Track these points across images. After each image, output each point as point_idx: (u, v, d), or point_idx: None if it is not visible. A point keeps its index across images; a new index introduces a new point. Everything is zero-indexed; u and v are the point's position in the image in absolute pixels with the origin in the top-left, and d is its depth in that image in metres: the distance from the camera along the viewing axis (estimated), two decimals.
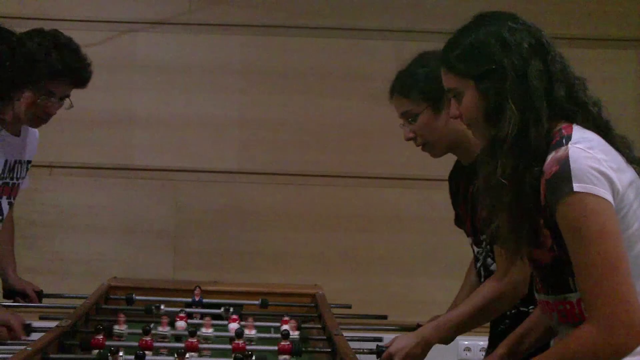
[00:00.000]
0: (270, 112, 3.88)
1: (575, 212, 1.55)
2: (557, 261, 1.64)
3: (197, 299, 2.61)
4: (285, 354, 2.07)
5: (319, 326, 2.44)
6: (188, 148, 3.86)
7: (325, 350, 2.19)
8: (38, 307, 2.73)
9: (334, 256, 3.85)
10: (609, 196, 1.56)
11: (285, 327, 2.29)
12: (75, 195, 3.81)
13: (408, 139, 2.32)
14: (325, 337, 2.28)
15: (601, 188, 1.55)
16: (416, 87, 2.27)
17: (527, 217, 1.66)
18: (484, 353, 3.65)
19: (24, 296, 2.72)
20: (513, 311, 2.21)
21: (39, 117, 2.55)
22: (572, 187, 1.55)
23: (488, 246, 2.26)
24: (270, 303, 2.68)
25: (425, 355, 2.14)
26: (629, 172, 1.63)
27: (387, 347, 2.15)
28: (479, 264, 2.33)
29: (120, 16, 3.84)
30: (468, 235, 2.39)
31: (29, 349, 1.85)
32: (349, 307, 2.76)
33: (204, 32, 3.87)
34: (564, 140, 1.62)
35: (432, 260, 3.72)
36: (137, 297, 2.68)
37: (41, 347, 1.89)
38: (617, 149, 1.66)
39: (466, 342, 3.76)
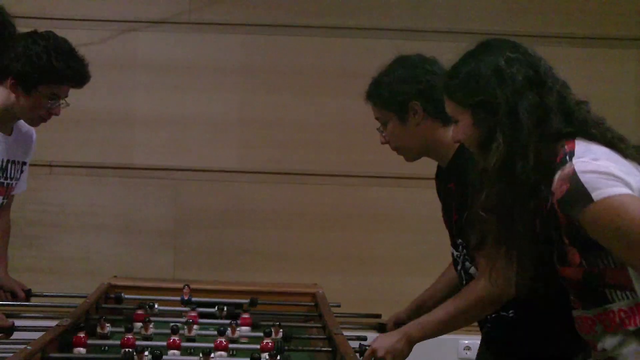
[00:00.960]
0: (270, 111, 3.88)
1: (606, 217, 1.56)
2: (588, 276, 1.64)
3: (185, 297, 2.61)
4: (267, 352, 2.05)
5: (319, 325, 2.44)
6: (188, 147, 3.86)
7: (325, 349, 2.20)
8: (38, 306, 2.73)
9: (334, 255, 3.85)
10: (626, 189, 1.56)
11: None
12: (75, 195, 3.81)
13: (383, 143, 2.36)
14: (325, 337, 2.28)
15: (617, 186, 1.56)
16: (381, 96, 2.30)
17: (520, 243, 1.69)
18: None
19: (13, 295, 2.72)
20: (494, 315, 2.21)
21: (42, 118, 2.60)
22: (591, 198, 1.55)
23: (464, 250, 2.27)
24: (269, 302, 2.68)
25: (409, 351, 2.14)
26: None
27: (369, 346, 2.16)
28: (458, 267, 2.32)
29: (120, 15, 3.84)
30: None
31: (29, 347, 1.85)
32: (338, 305, 2.75)
33: (204, 32, 3.87)
34: (567, 157, 1.62)
35: (432, 260, 3.70)
36: (127, 296, 2.70)
37: (41, 346, 1.89)
38: (628, 158, 1.66)
39: (466, 342, 3.76)
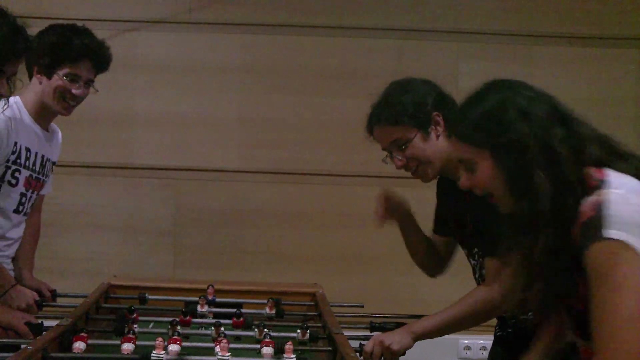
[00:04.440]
0: (270, 111, 3.88)
1: (605, 257, 1.49)
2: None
3: (210, 297, 2.62)
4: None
5: (320, 325, 2.44)
6: (188, 147, 3.86)
7: (325, 349, 2.20)
8: (55, 306, 2.73)
9: (334, 255, 3.85)
10: None
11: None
12: (75, 194, 3.82)
13: (400, 167, 2.33)
14: (325, 336, 2.28)
15: (635, 238, 1.49)
16: (406, 113, 2.26)
17: (564, 279, 1.63)
18: (483, 352, 3.68)
19: (40, 295, 2.74)
20: (513, 320, 2.23)
21: (66, 101, 2.62)
22: (605, 233, 1.50)
23: (481, 259, 2.28)
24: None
25: (410, 342, 2.16)
26: None
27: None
28: (476, 275, 2.35)
29: (120, 15, 3.84)
30: (462, 247, 2.41)
31: (30, 347, 1.85)
32: (362, 306, 2.75)
33: (204, 31, 3.88)
34: (600, 184, 1.57)
35: None
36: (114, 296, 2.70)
37: (41, 346, 1.89)
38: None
39: (466, 341, 3.76)
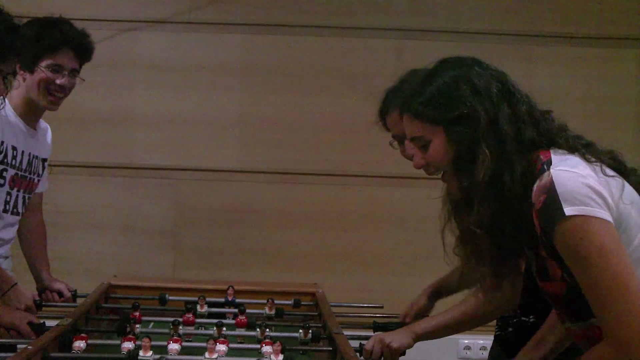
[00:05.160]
0: (270, 111, 3.88)
1: (572, 236, 1.50)
2: (572, 289, 1.58)
3: (230, 298, 2.62)
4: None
5: (319, 325, 2.44)
6: (188, 147, 3.86)
7: (325, 349, 2.20)
8: (55, 306, 2.73)
9: (334, 255, 3.85)
10: (603, 213, 1.51)
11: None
12: (75, 194, 3.82)
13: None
14: (325, 336, 2.28)
15: (594, 207, 1.51)
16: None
17: (508, 256, 1.66)
18: (483, 352, 3.68)
19: (60, 296, 2.74)
20: (515, 320, 2.23)
21: (52, 93, 2.58)
22: (563, 213, 1.50)
23: None
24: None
25: (410, 342, 2.16)
26: (618, 183, 1.58)
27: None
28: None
29: (120, 15, 3.84)
30: None
31: (30, 347, 1.85)
32: (381, 306, 2.74)
33: (204, 31, 3.88)
34: (545, 166, 1.58)
35: (433, 259, 3.70)
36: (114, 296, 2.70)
37: (42, 346, 1.89)
38: (602, 162, 1.61)
39: (466, 341, 3.76)
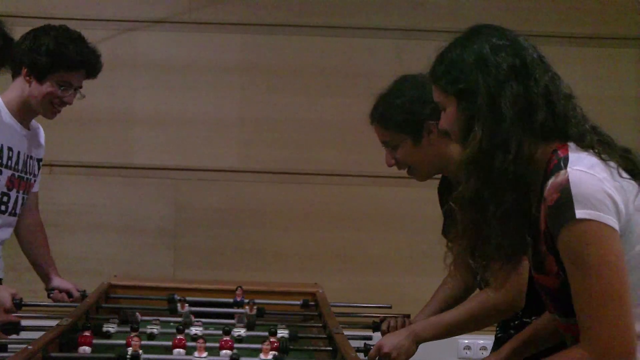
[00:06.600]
0: (270, 110, 3.88)
1: (577, 239, 1.49)
2: (565, 285, 1.57)
3: (238, 299, 2.62)
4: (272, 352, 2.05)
5: (320, 325, 2.44)
6: (188, 146, 3.86)
7: (325, 349, 2.20)
8: (38, 305, 2.72)
9: (334, 255, 3.85)
10: (612, 221, 1.49)
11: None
12: (75, 194, 3.82)
13: (390, 165, 2.33)
14: (325, 336, 2.28)
15: (605, 213, 1.49)
16: (393, 119, 2.24)
17: (512, 235, 1.63)
18: (483, 352, 3.68)
19: (69, 295, 2.75)
20: (516, 322, 2.22)
21: (55, 107, 2.62)
22: (574, 214, 1.48)
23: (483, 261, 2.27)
24: (269, 302, 2.67)
25: (414, 350, 2.15)
26: (632, 186, 1.56)
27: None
28: (477, 278, 2.33)
29: (120, 15, 3.84)
30: None
31: (30, 347, 1.85)
32: (389, 307, 2.74)
33: (204, 31, 3.88)
34: (562, 163, 1.55)
35: (432, 259, 3.71)
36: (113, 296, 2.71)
37: (42, 345, 1.89)
38: (618, 163, 1.59)
39: (466, 341, 3.76)
